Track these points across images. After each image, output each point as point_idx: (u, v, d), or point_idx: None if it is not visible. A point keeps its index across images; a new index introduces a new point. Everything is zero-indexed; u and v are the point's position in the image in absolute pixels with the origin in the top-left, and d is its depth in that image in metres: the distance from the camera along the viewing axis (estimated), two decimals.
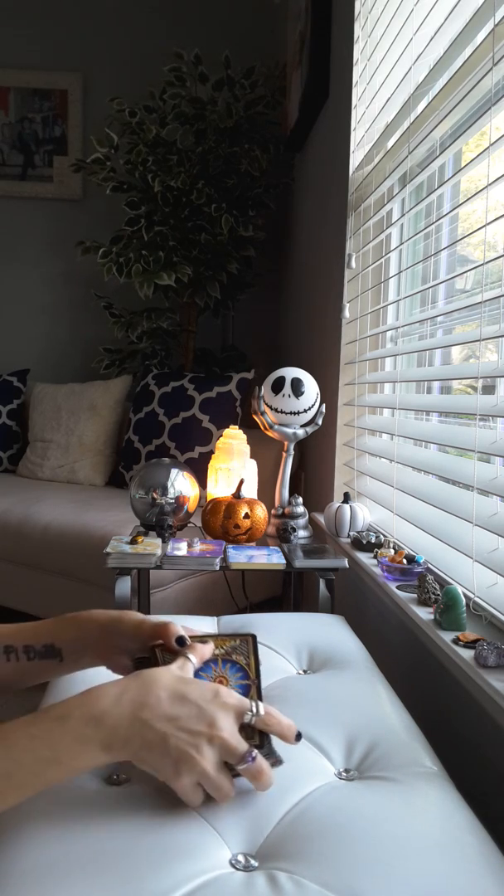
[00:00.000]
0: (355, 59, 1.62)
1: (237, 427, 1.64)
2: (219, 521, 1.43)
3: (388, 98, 1.40)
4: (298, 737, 0.64)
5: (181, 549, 1.33)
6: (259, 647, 0.74)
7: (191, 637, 0.71)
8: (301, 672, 0.94)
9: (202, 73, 2.62)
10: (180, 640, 0.69)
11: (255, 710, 0.62)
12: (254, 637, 0.74)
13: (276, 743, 0.65)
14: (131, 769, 0.69)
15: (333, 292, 1.84)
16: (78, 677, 0.85)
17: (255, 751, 0.60)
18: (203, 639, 0.72)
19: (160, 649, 0.69)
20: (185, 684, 0.61)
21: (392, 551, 1.27)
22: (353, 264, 1.64)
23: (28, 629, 0.73)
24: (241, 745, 0.60)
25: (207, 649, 0.70)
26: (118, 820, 0.60)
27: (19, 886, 0.52)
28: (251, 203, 2.66)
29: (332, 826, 0.60)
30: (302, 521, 1.54)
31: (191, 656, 0.67)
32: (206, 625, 1.12)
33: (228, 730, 0.60)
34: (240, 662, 0.71)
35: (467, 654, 0.87)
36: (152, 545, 1.33)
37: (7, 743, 0.55)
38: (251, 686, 0.69)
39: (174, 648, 0.69)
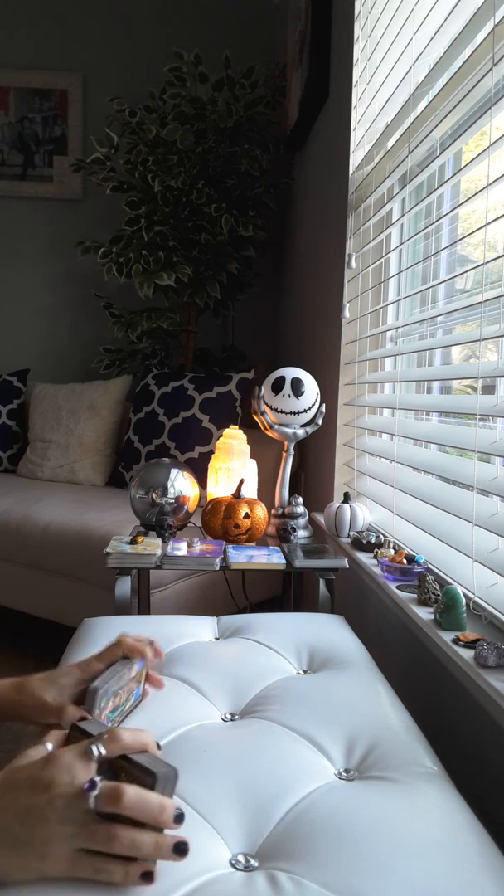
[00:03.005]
0: (355, 59, 1.62)
1: (237, 427, 1.64)
2: (219, 521, 1.43)
3: (388, 98, 1.40)
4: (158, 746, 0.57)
5: (181, 549, 1.33)
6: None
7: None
8: (301, 672, 0.94)
9: (202, 73, 2.62)
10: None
11: (98, 744, 0.54)
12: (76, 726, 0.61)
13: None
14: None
15: (333, 292, 1.84)
16: None
17: (96, 777, 0.52)
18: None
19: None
20: (16, 771, 0.54)
21: (392, 551, 1.27)
22: (353, 264, 1.64)
23: None
24: (77, 780, 0.52)
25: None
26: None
27: (19, 887, 0.52)
28: (251, 203, 2.66)
29: (332, 826, 0.60)
30: (302, 521, 1.54)
31: (48, 743, 0.59)
32: (206, 625, 1.12)
33: (67, 780, 0.52)
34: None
35: (467, 654, 0.87)
36: (152, 545, 1.33)
37: None
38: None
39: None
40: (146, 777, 0.53)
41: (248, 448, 1.61)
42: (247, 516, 1.42)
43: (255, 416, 1.56)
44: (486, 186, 0.93)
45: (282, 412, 1.54)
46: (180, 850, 0.52)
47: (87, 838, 0.51)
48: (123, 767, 0.54)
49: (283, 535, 1.48)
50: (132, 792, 0.51)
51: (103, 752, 0.54)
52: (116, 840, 0.50)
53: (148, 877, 0.51)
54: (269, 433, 1.57)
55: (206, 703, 0.85)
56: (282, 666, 0.95)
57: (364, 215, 1.60)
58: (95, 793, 0.51)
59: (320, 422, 1.59)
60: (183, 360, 2.81)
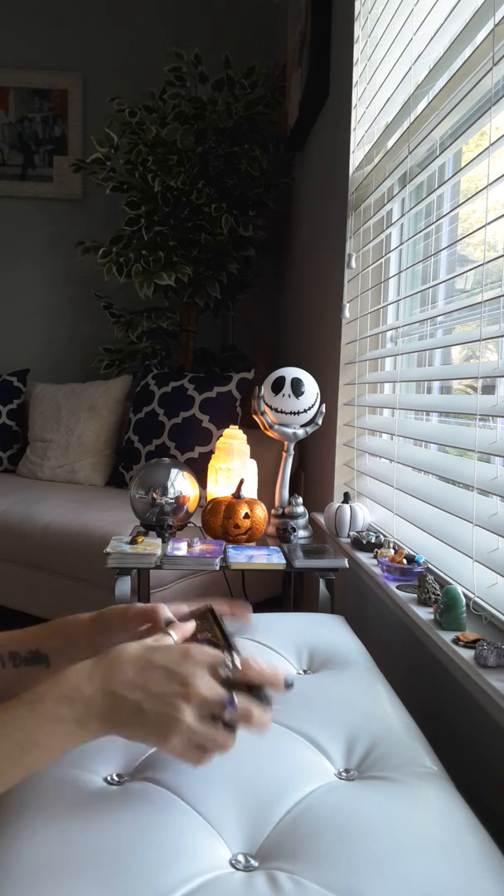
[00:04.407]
0: (355, 59, 1.62)
1: (237, 427, 1.64)
2: (219, 521, 1.43)
3: (388, 98, 1.40)
4: (289, 685, 0.64)
5: (181, 549, 1.33)
6: (221, 617, 0.75)
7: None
8: (301, 672, 0.94)
9: (202, 73, 2.62)
10: (168, 622, 0.71)
11: (230, 663, 0.62)
12: (210, 608, 0.74)
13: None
14: (130, 767, 0.69)
15: (333, 292, 1.84)
16: None
17: (234, 695, 0.60)
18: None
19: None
20: (153, 652, 0.61)
21: (392, 551, 1.27)
22: (353, 264, 1.64)
23: (12, 636, 0.73)
24: (216, 694, 0.59)
25: (189, 627, 0.71)
26: (118, 820, 0.60)
27: (19, 886, 0.52)
28: (251, 203, 2.66)
29: (332, 826, 0.60)
30: (302, 521, 1.53)
31: (171, 632, 0.68)
32: None
33: (203, 684, 0.59)
34: (206, 637, 0.72)
35: (467, 654, 0.87)
36: (152, 545, 1.33)
37: None
38: (223, 650, 0.68)
39: (161, 629, 0.70)
40: (260, 697, 0.62)
41: (248, 448, 1.61)
42: (247, 516, 1.42)
43: (254, 416, 1.56)
44: (486, 186, 0.93)
45: (282, 412, 1.54)
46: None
47: (204, 736, 0.59)
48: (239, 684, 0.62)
49: (283, 535, 1.48)
50: (260, 716, 0.61)
51: (230, 675, 0.61)
52: (224, 747, 0.59)
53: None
54: (269, 433, 1.57)
55: None
56: (282, 666, 0.95)
57: (364, 215, 1.60)
58: (233, 710, 0.59)
59: (320, 422, 1.59)
60: (183, 360, 2.81)
